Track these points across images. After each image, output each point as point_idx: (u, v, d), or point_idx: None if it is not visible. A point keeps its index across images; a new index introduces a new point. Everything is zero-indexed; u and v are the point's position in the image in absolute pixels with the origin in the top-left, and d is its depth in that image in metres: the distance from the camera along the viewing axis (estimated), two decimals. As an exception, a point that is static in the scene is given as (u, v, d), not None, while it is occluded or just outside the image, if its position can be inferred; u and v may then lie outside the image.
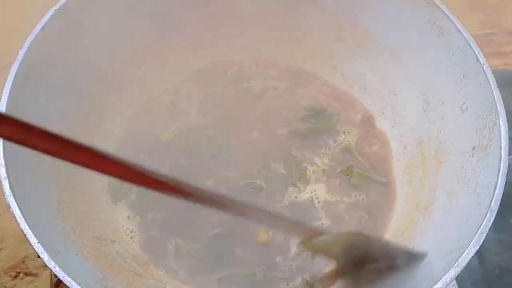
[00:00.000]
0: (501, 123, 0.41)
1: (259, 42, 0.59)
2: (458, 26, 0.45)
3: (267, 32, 0.58)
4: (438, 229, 0.44)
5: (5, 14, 0.74)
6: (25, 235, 0.35)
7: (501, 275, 0.54)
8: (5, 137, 0.24)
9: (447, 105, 0.48)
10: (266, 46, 0.59)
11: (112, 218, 0.49)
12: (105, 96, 0.52)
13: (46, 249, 0.35)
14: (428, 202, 0.47)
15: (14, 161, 0.38)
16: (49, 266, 0.34)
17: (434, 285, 0.35)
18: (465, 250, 0.36)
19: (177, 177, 0.29)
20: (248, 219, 0.34)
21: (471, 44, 0.44)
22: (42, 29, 0.43)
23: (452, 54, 0.46)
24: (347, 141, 0.55)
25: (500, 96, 0.42)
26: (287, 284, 0.47)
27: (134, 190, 0.51)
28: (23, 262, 0.57)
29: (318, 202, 0.51)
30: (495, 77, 0.42)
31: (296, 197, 0.51)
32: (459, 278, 0.54)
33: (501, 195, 0.38)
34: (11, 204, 0.36)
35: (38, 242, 0.35)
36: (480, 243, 0.36)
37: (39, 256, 0.35)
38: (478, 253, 0.53)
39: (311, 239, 0.37)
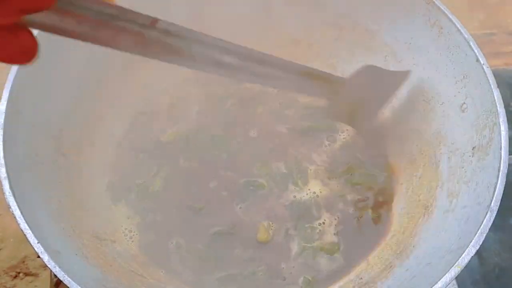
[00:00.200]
0: (501, 123, 0.41)
1: (259, 42, 0.59)
2: (458, 26, 0.45)
3: (267, 32, 0.58)
4: (438, 229, 0.44)
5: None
6: (25, 235, 0.35)
7: (501, 275, 0.54)
8: None
9: (447, 105, 0.48)
10: (266, 46, 0.59)
11: (112, 218, 0.49)
12: (105, 96, 0.52)
13: (46, 249, 0.35)
14: (428, 202, 0.47)
15: (14, 161, 0.38)
16: (49, 266, 0.34)
17: (434, 285, 0.35)
18: (465, 250, 0.36)
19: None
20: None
21: (471, 44, 0.44)
22: (42, 29, 0.43)
23: (452, 54, 0.46)
24: (347, 140, 0.55)
25: (500, 96, 0.42)
26: (288, 284, 0.47)
27: (134, 190, 0.51)
28: (23, 262, 0.57)
29: (319, 200, 0.51)
30: (495, 77, 0.42)
31: (296, 196, 0.51)
32: (459, 278, 0.54)
33: (501, 195, 0.38)
34: (11, 204, 0.36)
35: (38, 242, 0.35)
36: (480, 243, 0.36)
37: (39, 256, 0.35)
38: (478, 253, 0.54)
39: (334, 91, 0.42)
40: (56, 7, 0.26)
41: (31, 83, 0.42)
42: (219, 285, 0.46)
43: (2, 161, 0.37)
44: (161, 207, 0.50)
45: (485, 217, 0.37)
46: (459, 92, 0.46)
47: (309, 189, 0.52)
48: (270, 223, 0.50)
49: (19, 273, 0.56)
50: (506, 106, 0.42)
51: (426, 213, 0.47)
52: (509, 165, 0.39)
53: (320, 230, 0.49)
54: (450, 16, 0.46)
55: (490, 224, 0.37)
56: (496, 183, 0.38)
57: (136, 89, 0.55)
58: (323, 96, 0.45)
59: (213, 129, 0.55)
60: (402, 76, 0.50)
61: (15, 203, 0.36)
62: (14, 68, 0.41)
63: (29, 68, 0.42)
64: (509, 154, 0.40)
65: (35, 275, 0.56)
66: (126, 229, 0.49)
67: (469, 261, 0.36)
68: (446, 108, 0.48)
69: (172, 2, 0.52)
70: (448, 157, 0.47)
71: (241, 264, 0.47)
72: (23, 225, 0.35)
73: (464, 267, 0.35)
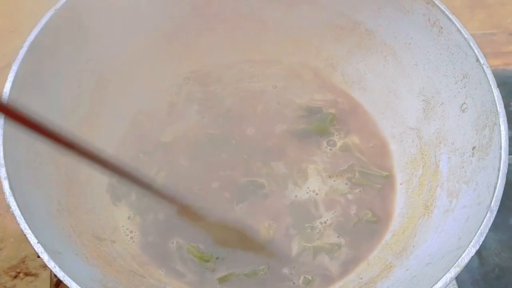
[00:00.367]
0: (501, 123, 0.41)
1: (258, 42, 0.59)
2: (458, 26, 0.45)
3: (267, 32, 0.58)
4: (438, 229, 0.44)
5: (5, 14, 0.73)
6: (25, 235, 0.35)
7: (501, 275, 0.54)
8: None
9: (447, 105, 0.48)
10: (266, 46, 0.59)
11: (112, 218, 0.49)
12: (105, 96, 0.52)
13: (46, 249, 0.35)
14: (428, 202, 0.48)
15: (14, 161, 0.38)
16: (49, 266, 0.34)
17: (434, 285, 0.35)
18: (465, 250, 0.36)
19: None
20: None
21: (471, 44, 0.44)
22: (42, 29, 0.43)
23: (452, 54, 0.46)
24: (347, 140, 0.55)
25: (500, 96, 0.42)
26: (288, 283, 0.47)
27: (134, 191, 0.51)
28: (23, 262, 0.57)
29: (319, 200, 0.51)
30: (495, 77, 0.42)
31: (297, 196, 0.51)
32: (459, 278, 0.54)
33: (501, 195, 0.38)
34: (11, 204, 0.36)
35: (38, 242, 0.35)
36: (480, 243, 0.36)
37: (39, 256, 0.35)
38: (478, 253, 0.54)
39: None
40: None
41: (31, 83, 0.42)
42: (220, 285, 0.46)
43: (2, 161, 0.37)
44: (161, 207, 0.50)
45: (485, 217, 0.37)
46: (459, 92, 0.46)
47: (309, 189, 0.52)
48: (271, 222, 0.50)
49: (19, 273, 0.56)
50: (506, 106, 0.42)
51: (426, 213, 0.47)
52: (509, 165, 0.39)
53: (320, 229, 0.49)
54: (450, 16, 0.46)
55: (490, 224, 0.37)
56: (496, 183, 0.38)
57: (136, 89, 0.54)
58: None
59: (213, 129, 0.55)
60: None
61: (15, 203, 0.36)
62: (14, 68, 0.41)
63: (29, 68, 0.42)
64: (509, 154, 0.40)
65: (35, 275, 0.56)
66: (126, 229, 0.49)
67: (469, 261, 0.36)
68: (446, 108, 0.48)
69: (175, 1, 0.52)
70: (448, 157, 0.47)
71: (241, 264, 0.47)
72: (23, 225, 0.35)
73: (464, 267, 0.35)
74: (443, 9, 0.46)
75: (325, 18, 0.55)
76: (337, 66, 0.58)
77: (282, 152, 0.54)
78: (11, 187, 0.36)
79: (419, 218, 0.47)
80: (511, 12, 0.77)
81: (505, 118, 0.41)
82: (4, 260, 0.57)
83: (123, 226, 0.49)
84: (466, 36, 0.45)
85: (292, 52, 0.59)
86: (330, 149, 0.54)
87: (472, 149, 0.44)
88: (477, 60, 0.43)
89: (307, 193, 0.51)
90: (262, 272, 0.47)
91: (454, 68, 0.46)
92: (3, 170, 0.37)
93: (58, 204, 0.43)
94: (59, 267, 0.34)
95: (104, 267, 0.41)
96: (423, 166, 0.51)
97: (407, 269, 0.43)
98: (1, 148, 0.38)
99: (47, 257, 0.35)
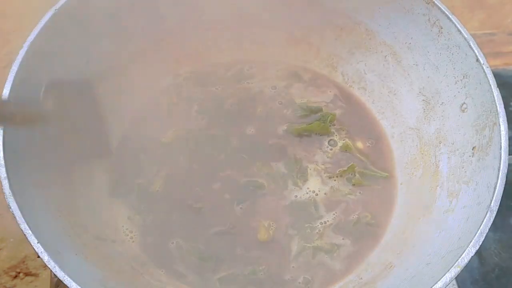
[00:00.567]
0: (501, 123, 0.41)
1: (258, 42, 0.59)
2: (458, 26, 0.45)
3: (267, 32, 0.58)
4: (438, 229, 0.44)
5: (5, 14, 0.73)
6: (25, 235, 0.35)
7: (501, 275, 0.54)
8: None
9: (447, 105, 0.48)
10: (265, 46, 0.59)
11: (112, 218, 0.49)
12: (105, 97, 0.52)
13: (46, 249, 0.35)
14: (428, 202, 0.47)
15: (14, 161, 0.38)
16: (49, 266, 0.34)
17: (434, 285, 0.35)
18: (465, 250, 0.36)
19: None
20: None
21: (471, 44, 0.44)
22: (42, 29, 0.43)
23: (452, 54, 0.46)
24: (347, 140, 0.55)
25: (500, 96, 0.42)
26: (288, 283, 0.47)
27: (134, 190, 0.51)
28: (23, 262, 0.57)
29: (319, 200, 0.51)
30: (495, 77, 0.42)
31: (296, 196, 0.51)
32: (459, 278, 0.54)
33: (501, 195, 0.38)
34: (11, 204, 0.36)
35: (38, 242, 0.35)
36: (480, 243, 0.36)
37: (39, 256, 0.35)
38: (478, 253, 0.54)
39: None
40: None
41: (31, 83, 0.42)
42: (220, 285, 0.46)
43: (2, 161, 0.37)
44: (161, 207, 0.50)
45: (485, 217, 0.37)
46: (459, 92, 0.46)
47: (309, 189, 0.52)
48: (271, 222, 0.50)
49: (19, 273, 0.56)
50: (506, 106, 0.42)
51: (426, 213, 0.47)
52: (509, 165, 0.39)
53: (320, 229, 0.49)
54: (450, 16, 0.46)
55: (490, 224, 0.37)
56: (496, 183, 0.38)
57: (136, 89, 0.54)
58: None
59: (213, 129, 0.55)
60: None
61: (15, 203, 0.36)
62: (14, 68, 0.41)
63: (29, 68, 0.42)
64: (509, 154, 0.40)
65: (35, 275, 0.56)
66: (126, 229, 0.49)
67: (469, 261, 0.36)
68: (446, 108, 0.48)
69: (175, 1, 0.52)
70: (448, 157, 0.47)
71: (241, 264, 0.47)
72: (23, 225, 0.35)
73: (464, 267, 0.35)
74: (443, 9, 0.46)
75: (325, 18, 0.55)
76: (337, 66, 0.58)
77: (282, 152, 0.54)
78: (11, 187, 0.36)
79: (419, 218, 0.47)
80: (511, 12, 0.77)
81: (505, 118, 0.41)
82: (4, 260, 0.57)
83: (123, 226, 0.49)
84: (466, 36, 0.45)
85: (292, 52, 0.59)
86: (331, 149, 0.54)
87: (472, 149, 0.44)
88: (477, 60, 0.43)
89: (307, 193, 0.51)
90: (261, 272, 0.47)
91: (454, 68, 0.46)
92: (3, 170, 0.37)
93: (58, 204, 0.43)
94: (59, 267, 0.34)
95: (104, 267, 0.41)
96: (423, 166, 0.51)
97: (407, 269, 0.43)
98: (1, 148, 0.38)
99: (47, 257, 0.35)
